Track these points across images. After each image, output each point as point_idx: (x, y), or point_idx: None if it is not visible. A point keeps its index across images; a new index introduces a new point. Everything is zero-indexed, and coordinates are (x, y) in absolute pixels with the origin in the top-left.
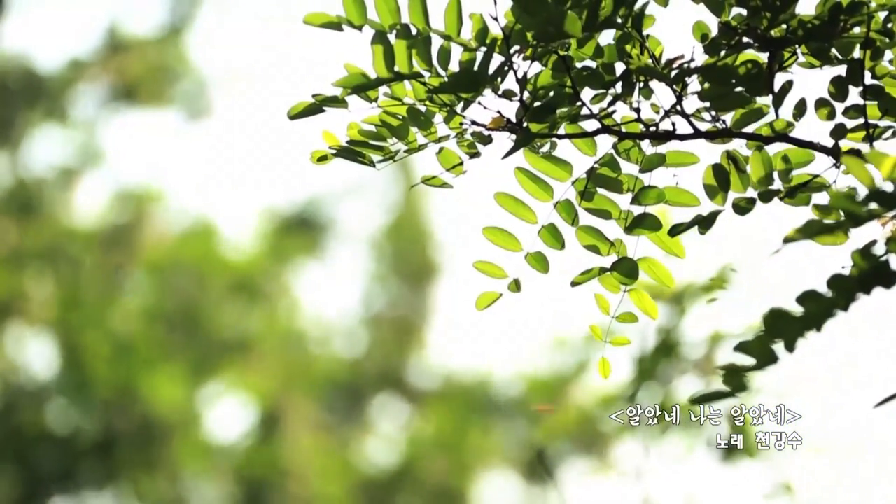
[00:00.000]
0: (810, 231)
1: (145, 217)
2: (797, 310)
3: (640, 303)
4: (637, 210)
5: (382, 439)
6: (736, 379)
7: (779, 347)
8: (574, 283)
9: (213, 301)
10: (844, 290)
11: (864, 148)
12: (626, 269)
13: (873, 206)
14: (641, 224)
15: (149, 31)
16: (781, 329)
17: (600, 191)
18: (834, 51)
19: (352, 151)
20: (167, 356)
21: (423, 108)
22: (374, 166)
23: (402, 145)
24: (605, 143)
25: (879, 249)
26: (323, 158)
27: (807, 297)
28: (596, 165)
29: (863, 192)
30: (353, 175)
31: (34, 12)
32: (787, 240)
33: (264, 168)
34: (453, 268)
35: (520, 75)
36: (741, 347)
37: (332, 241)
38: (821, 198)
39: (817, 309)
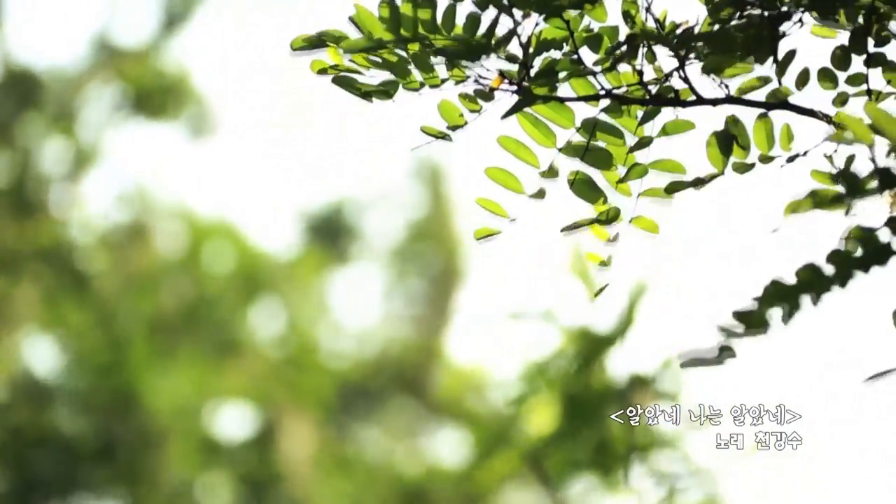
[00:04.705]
0: (813, 203)
1: (149, 220)
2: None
3: (642, 223)
4: (639, 160)
5: (397, 443)
6: (725, 347)
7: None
8: (563, 230)
9: (220, 302)
10: (843, 268)
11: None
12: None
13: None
14: (632, 173)
15: (149, 38)
16: (779, 298)
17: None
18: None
19: (347, 80)
20: (170, 358)
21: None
22: (369, 100)
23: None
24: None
25: (879, 227)
26: (323, 71)
27: (805, 271)
28: (596, 118)
29: (863, 158)
30: (379, 182)
31: (32, 17)
32: (788, 211)
33: (280, 173)
34: (476, 274)
35: (524, 39)
36: (737, 315)
37: (356, 246)
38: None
39: (815, 283)
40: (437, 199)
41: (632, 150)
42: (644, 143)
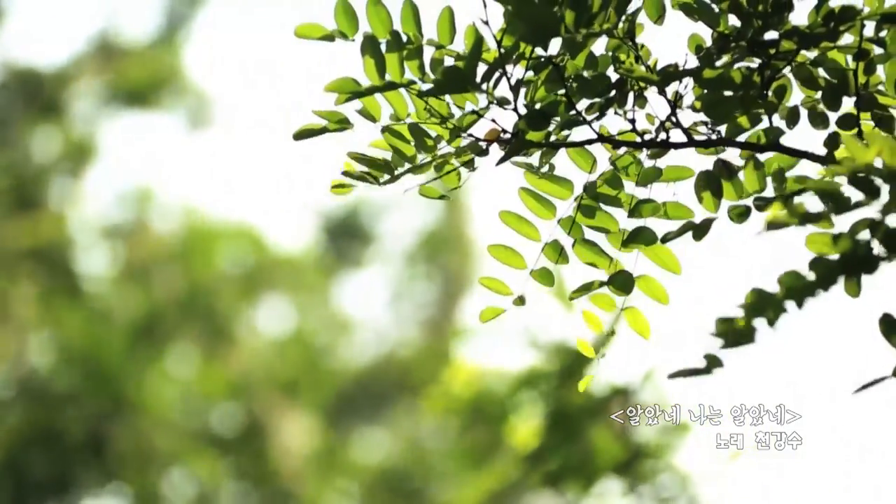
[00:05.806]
0: (796, 215)
1: (146, 216)
2: (778, 290)
3: (634, 322)
4: (634, 224)
5: (399, 445)
6: (713, 357)
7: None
8: (572, 297)
9: (221, 298)
10: (826, 273)
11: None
12: (621, 282)
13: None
14: (637, 238)
15: (150, 36)
16: (763, 307)
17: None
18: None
19: (363, 176)
20: (168, 355)
21: (427, 131)
22: (379, 185)
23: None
24: (603, 159)
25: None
26: (341, 186)
27: (788, 277)
28: (596, 181)
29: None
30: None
31: (33, 15)
32: (770, 224)
33: (294, 173)
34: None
35: (513, 82)
36: (720, 323)
37: (368, 249)
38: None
39: (798, 288)
40: (450, 206)
41: (631, 213)
42: (644, 210)
